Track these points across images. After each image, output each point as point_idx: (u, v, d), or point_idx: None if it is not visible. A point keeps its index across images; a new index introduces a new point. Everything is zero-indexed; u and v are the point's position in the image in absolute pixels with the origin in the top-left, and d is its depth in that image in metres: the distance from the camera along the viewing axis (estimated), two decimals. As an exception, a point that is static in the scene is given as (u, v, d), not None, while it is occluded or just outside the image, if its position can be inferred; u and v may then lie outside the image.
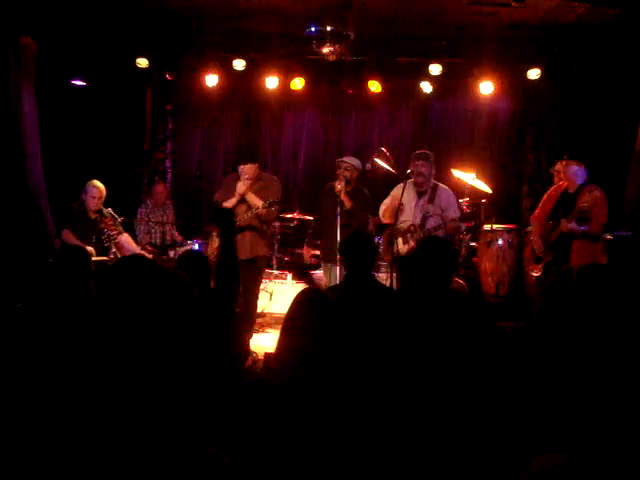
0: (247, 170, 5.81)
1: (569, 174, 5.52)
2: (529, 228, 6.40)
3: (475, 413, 2.32)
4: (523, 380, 2.33)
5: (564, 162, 5.61)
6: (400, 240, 5.76)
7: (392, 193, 6.04)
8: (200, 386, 2.28)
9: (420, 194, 5.86)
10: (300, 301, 2.37)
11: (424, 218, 5.76)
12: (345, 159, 6.10)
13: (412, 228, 5.77)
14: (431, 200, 5.80)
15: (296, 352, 2.22)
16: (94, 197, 6.03)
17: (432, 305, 3.07)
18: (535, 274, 5.68)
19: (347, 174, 5.94)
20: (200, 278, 3.32)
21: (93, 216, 6.07)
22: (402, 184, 5.77)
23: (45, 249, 6.27)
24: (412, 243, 5.74)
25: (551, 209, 5.62)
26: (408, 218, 5.80)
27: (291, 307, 2.35)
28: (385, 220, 6.03)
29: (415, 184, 5.84)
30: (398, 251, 5.63)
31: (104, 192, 6.08)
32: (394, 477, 2.06)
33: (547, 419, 2.13)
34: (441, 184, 5.97)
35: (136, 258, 3.24)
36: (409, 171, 5.81)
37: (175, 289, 2.49)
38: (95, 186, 6.07)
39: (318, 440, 1.99)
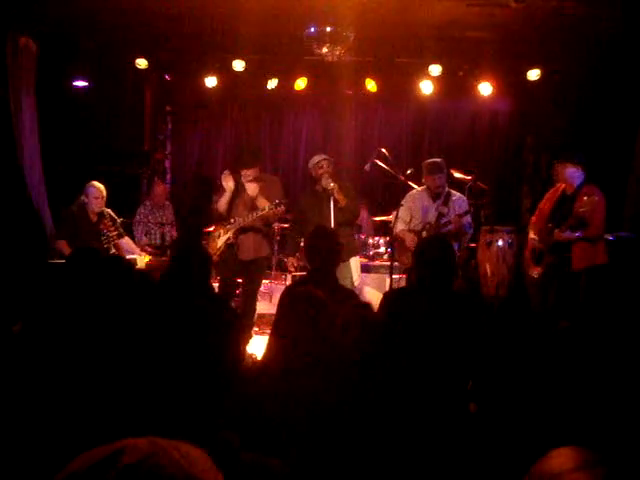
0: (251, 173, 5.78)
1: (566, 176, 5.48)
2: (528, 229, 6.39)
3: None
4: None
5: (560, 164, 5.57)
6: (415, 240, 5.86)
7: (407, 205, 6.06)
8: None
9: (434, 198, 6.04)
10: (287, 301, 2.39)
11: (440, 217, 5.94)
12: (316, 158, 5.93)
13: (427, 226, 5.92)
14: (445, 203, 6.00)
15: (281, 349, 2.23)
16: (97, 197, 5.98)
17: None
18: (534, 275, 5.66)
19: (329, 169, 5.79)
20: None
21: (94, 219, 6.03)
22: (417, 192, 6.04)
23: (44, 250, 6.26)
24: None
25: (550, 211, 5.59)
26: (420, 221, 5.98)
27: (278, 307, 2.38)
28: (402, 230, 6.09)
29: (430, 191, 6.02)
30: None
31: (104, 192, 6.05)
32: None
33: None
34: (453, 191, 6.11)
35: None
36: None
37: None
38: (95, 187, 6.02)
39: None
